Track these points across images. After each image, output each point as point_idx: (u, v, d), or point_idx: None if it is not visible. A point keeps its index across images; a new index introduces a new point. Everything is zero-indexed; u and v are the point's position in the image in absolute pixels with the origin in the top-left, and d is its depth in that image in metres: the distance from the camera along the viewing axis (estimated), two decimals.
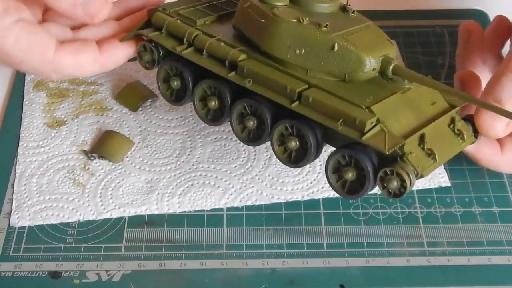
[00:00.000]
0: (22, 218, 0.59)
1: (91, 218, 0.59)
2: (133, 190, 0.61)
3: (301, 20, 0.53)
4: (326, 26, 0.52)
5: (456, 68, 0.66)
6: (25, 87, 0.69)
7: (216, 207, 0.60)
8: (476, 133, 0.56)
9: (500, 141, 0.59)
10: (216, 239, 0.58)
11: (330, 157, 0.53)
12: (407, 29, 0.75)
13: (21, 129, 0.66)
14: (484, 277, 0.56)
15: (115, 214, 0.59)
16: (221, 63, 0.55)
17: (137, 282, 0.55)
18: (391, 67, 0.52)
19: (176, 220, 0.59)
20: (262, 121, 0.55)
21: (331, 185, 0.54)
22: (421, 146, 0.52)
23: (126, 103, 0.68)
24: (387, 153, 0.48)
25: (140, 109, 0.68)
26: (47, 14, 0.59)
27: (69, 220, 0.59)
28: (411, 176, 0.50)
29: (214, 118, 0.58)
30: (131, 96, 0.68)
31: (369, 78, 0.53)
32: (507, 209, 0.60)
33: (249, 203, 0.60)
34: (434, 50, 0.75)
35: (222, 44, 0.56)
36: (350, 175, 0.52)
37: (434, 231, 0.58)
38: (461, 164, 0.62)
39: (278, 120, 0.55)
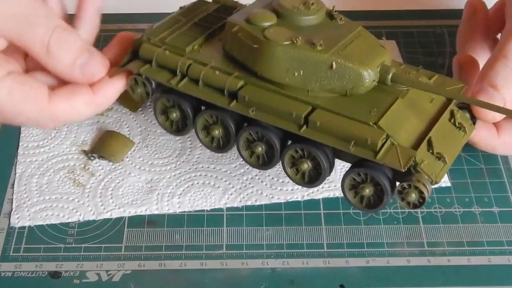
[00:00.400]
0: (22, 218, 0.59)
1: (91, 218, 0.59)
2: (133, 190, 0.61)
3: (295, 41, 0.52)
4: (321, 45, 0.52)
5: (456, 46, 0.66)
6: None
7: (216, 207, 0.60)
8: (473, 118, 0.57)
9: (496, 124, 0.59)
10: (216, 239, 0.58)
11: (345, 176, 0.54)
12: (407, 29, 0.75)
13: (21, 129, 0.66)
14: (484, 277, 0.56)
15: (115, 214, 0.59)
16: (220, 92, 0.55)
17: (137, 282, 0.55)
18: (389, 76, 0.53)
19: (176, 220, 0.59)
20: (270, 145, 0.56)
21: (349, 201, 0.55)
22: (430, 151, 0.53)
23: (126, 103, 0.68)
24: (403, 170, 0.50)
25: (140, 109, 0.68)
26: (27, 60, 0.56)
27: (69, 220, 0.59)
28: (427, 186, 0.52)
29: (219, 146, 0.58)
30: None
31: (370, 89, 0.53)
32: (507, 209, 0.60)
33: (249, 203, 0.60)
34: (434, 50, 0.75)
35: (217, 72, 0.55)
36: (367, 191, 0.54)
37: (434, 231, 0.58)
38: (461, 164, 0.63)
39: (287, 143, 0.55)
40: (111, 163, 0.63)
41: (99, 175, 0.62)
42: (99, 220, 0.59)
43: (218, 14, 0.61)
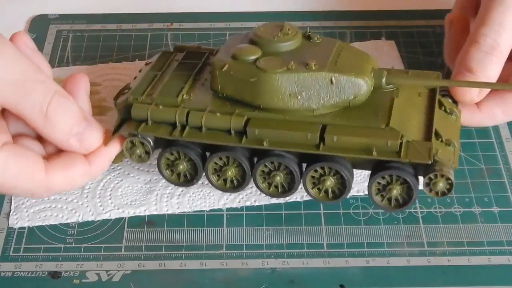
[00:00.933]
0: (20, 219, 0.59)
1: (90, 219, 0.59)
2: (132, 190, 0.61)
3: (290, 67, 0.53)
4: (315, 64, 0.53)
5: (445, 59, 0.67)
6: None
7: (215, 207, 0.60)
8: (455, 103, 0.60)
9: None
10: (216, 239, 0.58)
11: (370, 183, 0.55)
12: (407, 29, 0.75)
13: None
14: (484, 277, 0.56)
15: (114, 215, 0.59)
16: (226, 132, 0.55)
17: (137, 282, 0.55)
18: (384, 79, 0.55)
19: (176, 220, 0.59)
20: (288, 172, 0.56)
21: (378, 205, 0.56)
22: (440, 140, 0.55)
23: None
24: (430, 162, 0.52)
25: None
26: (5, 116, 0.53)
27: (68, 221, 0.59)
28: (451, 172, 0.54)
29: (234, 186, 0.58)
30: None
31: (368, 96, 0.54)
32: (507, 209, 0.60)
33: (248, 203, 0.60)
34: (434, 50, 0.75)
35: (218, 114, 0.54)
36: (394, 192, 0.55)
37: (434, 231, 0.58)
38: (461, 164, 0.62)
39: (302, 166, 0.56)
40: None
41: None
42: (99, 220, 0.59)
43: (189, 61, 0.61)
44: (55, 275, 0.56)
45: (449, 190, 0.54)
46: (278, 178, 0.56)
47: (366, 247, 0.57)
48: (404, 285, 0.55)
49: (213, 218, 0.59)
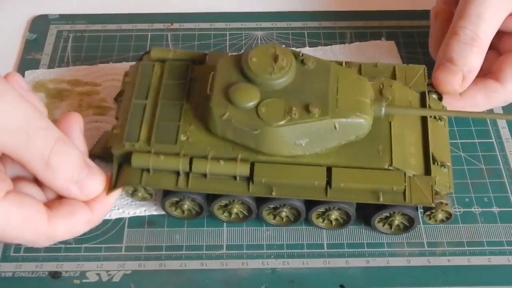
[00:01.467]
0: None
1: None
2: None
3: (293, 114, 0.51)
4: (318, 109, 0.52)
5: (430, 51, 0.68)
6: None
7: None
8: (439, 96, 0.61)
9: None
10: (216, 239, 0.58)
11: (373, 217, 0.56)
12: (407, 29, 0.75)
13: None
14: (484, 277, 0.56)
15: (114, 215, 0.59)
16: (231, 178, 0.54)
17: (137, 282, 0.55)
18: (382, 112, 0.55)
19: (176, 220, 0.59)
20: (294, 208, 0.56)
21: (378, 231, 0.58)
22: (436, 163, 0.55)
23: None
24: (434, 206, 0.54)
25: None
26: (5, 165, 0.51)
27: None
28: (448, 202, 0.56)
29: (240, 218, 0.58)
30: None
31: None
32: (507, 209, 0.60)
33: None
34: None
35: (222, 162, 0.53)
36: (396, 221, 0.56)
37: (434, 231, 0.58)
38: (461, 164, 0.62)
39: (311, 204, 0.56)
40: (110, 164, 0.62)
41: None
42: None
43: (173, 81, 0.57)
44: (55, 275, 0.56)
45: (448, 218, 0.57)
46: (284, 213, 0.57)
47: (366, 247, 0.57)
48: (404, 285, 0.55)
49: (213, 218, 0.59)
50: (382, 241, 0.58)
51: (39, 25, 0.76)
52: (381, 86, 0.57)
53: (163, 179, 0.54)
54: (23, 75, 0.70)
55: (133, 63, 0.70)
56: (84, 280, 0.55)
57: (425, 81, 0.60)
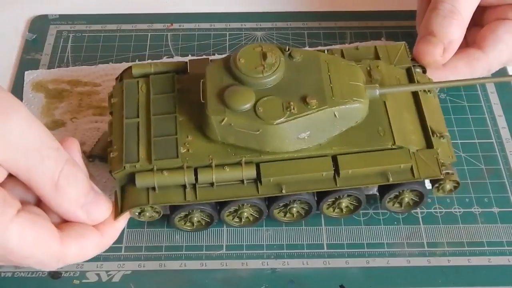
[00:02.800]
0: None
1: None
2: None
3: (291, 109, 0.51)
4: (315, 100, 0.52)
5: (416, 28, 0.68)
6: (24, 88, 0.69)
7: None
8: (423, 70, 0.62)
9: None
10: (216, 240, 0.58)
11: (383, 198, 0.57)
12: (407, 29, 0.75)
13: None
14: (484, 278, 0.56)
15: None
16: (239, 182, 0.53)
17: (137, 282, 0.55)
18: (377, 93, 0.55)
19: None
20: (304, 201, 0.56)
21: (389, 210, 0.58)
22: (435, 135, 0.56)
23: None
24: (442, 177, 0.54)
25: None
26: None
27: None
28: (454, 171, 0.56)
29: (251, 221, 0.58)
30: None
31: None
32: (507, 210, 0.60)
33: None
34: None
35: (227, 169, 0.52)
36: (406, 199, 0.57)
37: (434, 232, 0.58)
38: (461, 165, 0.62)
39: (321, 195, 0.56)
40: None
41: (98, 176, 0.62)
42: None
43: (160, 95, 0.56)
44: (55, 275, 0.56)
45: (456, 187, 0.57)
46: (295, 209, 0.57)
47: (366, 247, 0.57)
48: (404, 285, 0.55)
49: None
50: (382, 241, 0.58)
51: (39, 25, 0.76)
52: (368, 68, 0.58)
53: (171, 194, 0.53)
54: (23, 76, 0.70)
55: (134, 63, 0.71)
56: (83, 280, 0.55)
57: (408, 56, 0.61)
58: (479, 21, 0.66)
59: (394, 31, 0.75)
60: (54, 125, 0.66)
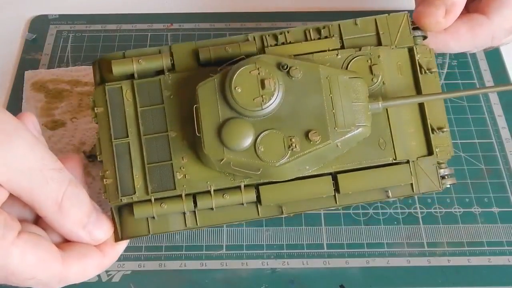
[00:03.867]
0: None
1: None
2: None
3: (294, 146, 0.49)
4: (319, 136, 0.50)
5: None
6: (24, 88, 0.69)
7: None
8: (424, 37, 0.57)
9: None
10: (216, 240, 0.58)
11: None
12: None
13: None
14: (484, 277, 0.56)
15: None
16: (239, 205, 0.53)
17: (137, 282, 0.55)
18: (380, 109, 0.53)
19: None
20: None
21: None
22: (434, 132, 0.55)
23: None
24: (441, 190, 0.54)
25: None
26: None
27: None
28: (452, 172, 0.55)
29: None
30: None
31: None
32: (507, 210, 0.60)
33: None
34: None
35: (227, 197, 0.52)
36: None
37: (434, 232, 0.58)
38: (461, 165, 0.62)
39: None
40: None
41: (97, 176, 0.62)
42: None
43: (147, 107, 0.53)
44: None
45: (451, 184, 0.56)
46: None
47: (366, 247, 0.57)
48: (404, 285, 0.55)
49: None
50: (382, 241, 0.58)
51: (39, 25, 0.76)
52: (369, 61, 0.54)
53: (171, 223, 0.53)
54: (23, 76, 0.70)
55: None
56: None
57: (410, 30, 0.56)
58: None
59: None
60: (54, 125, 0.66)
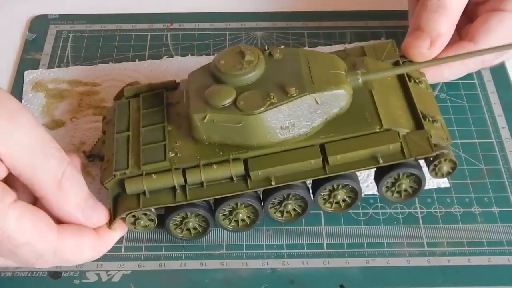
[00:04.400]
0: None
1: None
2: None
3: (272, 98, 0.52)
4: (295, 88, 0.52)
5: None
6: (24, 88, 0.69)
7: None
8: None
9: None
10: (216, 240, 0.58)
11: (379, 185, 0.56)
12: (407, 29, 0.75)
13: None
14: (484, 277, 0.56)
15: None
16: (229, 180, 0.53)
17: (137, 282, 0.55)
18: (360, 80, 0.55)
19: None
20: (299, 197, 0.56)
21: (389, 200, 0.57)
22: (427, 119, 0.55)
23: None
24: (435, 154, 0.53)
25: None
26: None
27: None
28: (450, 151, 0.55)
29: (247, 224, 0.57)
30: None
31: None
32: (507, 209, 0.60)
33: None
34: None
35: (215, 166, 0.53)
36: (403, 186, 0.56)
37: (434, 231, 0.58)
38: (461, 164, 0.62)
39: (315, 188, 0.55)
40: None
41: (98, 176, 0.62)
42: None
43: (151, 109, 0.58)
44: (55, 275, 0.56)
45: (453, 169, 0.56)
46: (290, 206, 0.56)
47: (366, 247, 0.57)
48: (404, 285, 0.55)
49: None
50: (382, 241, 0.58)
51: (39, 25, 0.76)
52: (354, 63, 0.57)
53: (161, 197, 0.54)
54: (23, 75, 0.70)
55: (129, 63, 0.71)
56: (83, 280, 0.55)
57: (396, 52, 0.61)
58: (474, 16, 0.66)
59: (394, 31, 0.75)
60: (54, 125, 0.66)
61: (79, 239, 0.51)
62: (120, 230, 0.54)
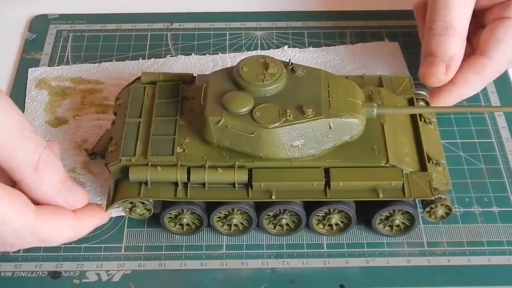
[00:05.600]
0: None
1: None
2: None
3: (287, 116, 0.52)
4: (312, 111, 0.52)
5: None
6: (27, 86, 0.69)
7: None
8: (427, 104, 0.62)
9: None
10: (216, 239, 0.58)
11: (373, 218, 0.56)
12: (407, 29, 0.75)
13: None
14: (484, 277, 0.56)
15: (115, 213, 0.59)
16: (230, 185, 0.54)
17: (137, 282, 0.55)
18: (374, 112, 0.55)
19: None
20: (294, 213, 0.56)
21: (380, 232, 0.58)
22: (431, 162, 0.56)
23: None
24: (433, 199, 0.54)
25: None
26: None
27: None
28: (447, 197, 0.56)
29: (240, 230, 0.57)
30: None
31: None
32: (507, 209, 0.60)
33: None
34: None
35: (220, 170, 0.53)
36: (397, 221, 0.56)
37: (434, 231, 0.58)
38: (461, 164, 0.62)
39: (311, 208, 0.56)
40: None
41: (99, 174, 0.62)
42: None
43: (165, 99, 0.58)
44: (55, 275, 0.56)
45: (447, 214, 0.57)
46: (284, 220, 0.56)
47: (366, 247, 0.57)
48: (404, 285, 0.55)
49: None
50: (382, 241, 0.58)
51: (39, 24, 0.76)
52: (370, 93, 0.58)
53: (162, 190, 0.54)
54: (23, 75, 0.70)
55: (132, 62, 0.71)
56: (83, 280, 0.55)
57: (412, 88, 0.61)
58: (482, 23, 0.66)
59: (394, 31, 0.75)
60: (57, 122, 0.66)
61: (57, 220, 0.51)
62: (101, 215, 0.54)
